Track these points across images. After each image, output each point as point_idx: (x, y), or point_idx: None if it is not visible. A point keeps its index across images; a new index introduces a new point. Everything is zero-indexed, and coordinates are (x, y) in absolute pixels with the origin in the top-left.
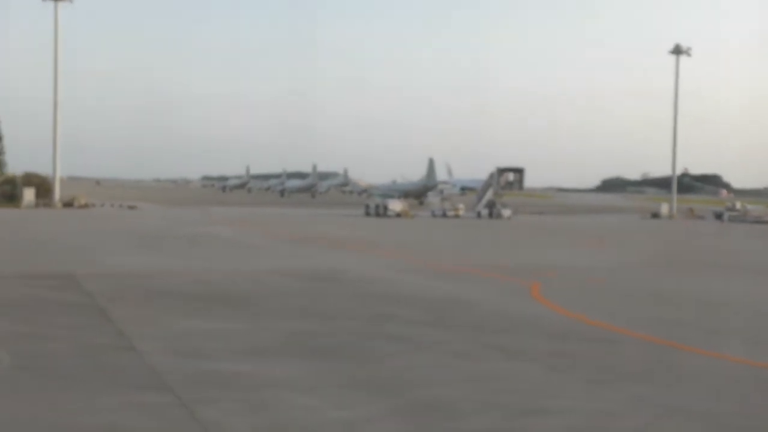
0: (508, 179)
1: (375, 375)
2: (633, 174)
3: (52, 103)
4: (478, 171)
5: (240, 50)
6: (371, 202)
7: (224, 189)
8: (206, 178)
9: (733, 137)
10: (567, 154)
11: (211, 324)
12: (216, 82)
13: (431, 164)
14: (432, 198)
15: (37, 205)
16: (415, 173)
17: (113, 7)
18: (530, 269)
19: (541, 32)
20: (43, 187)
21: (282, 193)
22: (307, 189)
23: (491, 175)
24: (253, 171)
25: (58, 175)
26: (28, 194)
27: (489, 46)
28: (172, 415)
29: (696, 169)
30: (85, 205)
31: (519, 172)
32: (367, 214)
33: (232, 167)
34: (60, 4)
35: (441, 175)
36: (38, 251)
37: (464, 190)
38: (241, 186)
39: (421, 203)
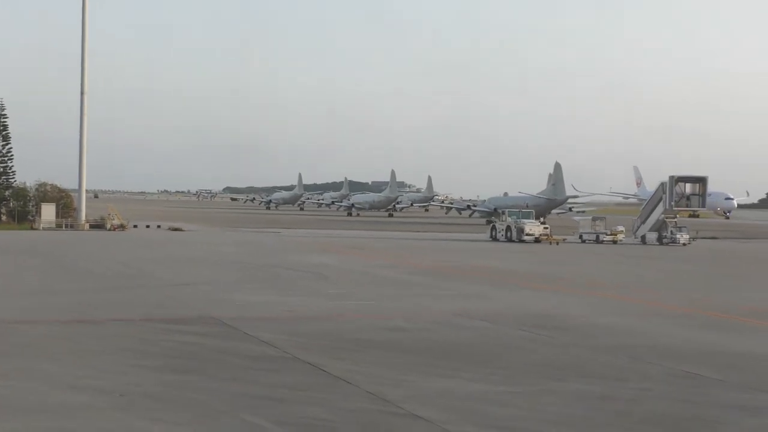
0: (684, 192)
1: None
2: None
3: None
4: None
5: (264, 42)
6: (499, 224)
7: (269, 205)
8: (230, 189)
9: None
10: (712, 160)
11: (474, 385)
12: (229, 74)
13: (558, 171)
14: (580, 218)
15: (58, 225)
16: (531, 185)
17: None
18: None
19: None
20: (63, 202)
21: (350, 210)
22: (384, 205)
23: (661, 187)
24: (288, 181)
25: (84, 187)
26: (47, 212)
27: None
28: None
29: None
30: (121, 227)
31: (700, 182)
32: (493, 238)
33: (247, 176)
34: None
35: (573, 186)
36: (138, 288)
37: None
38: (292, 201)
39: (543, 223)
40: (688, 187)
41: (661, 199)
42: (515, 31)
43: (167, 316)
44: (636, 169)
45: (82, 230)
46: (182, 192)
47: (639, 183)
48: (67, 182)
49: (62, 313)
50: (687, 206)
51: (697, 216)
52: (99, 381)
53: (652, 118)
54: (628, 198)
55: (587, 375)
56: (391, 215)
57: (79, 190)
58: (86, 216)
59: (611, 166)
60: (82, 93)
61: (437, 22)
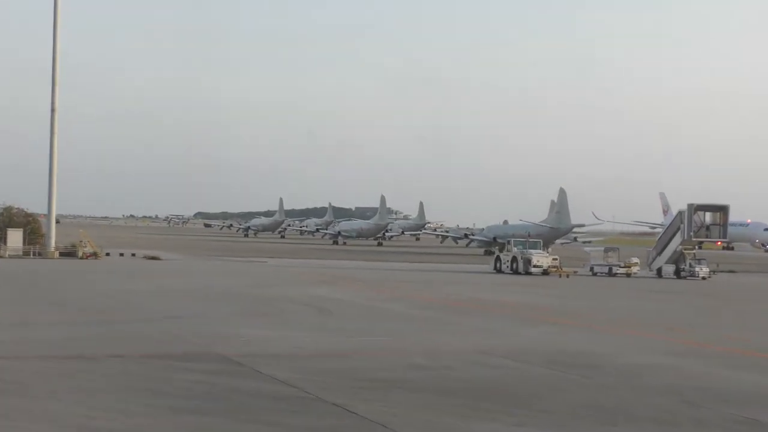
0: (704, 221)
1: None
2: None
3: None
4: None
5: (226, 47)
6: (504, 254)
7: (247, 232)
8: (202, 214)
9: None
10: (748, 187)
11: (521, 429)
12: (200, 90)
13: (563, 198)
14: (591, 249)
15: (26, 253)
16: (534, 213)
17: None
18: None
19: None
20: (30, 228)
21: (336, 238)
22: (373, 233)
23: (679, 216)
24: (264, 206)
25: (54, 212)
26: (14, 238)
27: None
28: None
29: None
30: (94, 255)
31: (721, 210)
32: (498, 269)
33: (220, 200)
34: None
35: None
36: (129, 322)
37: None
38: (272, 228)
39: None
40: (708, 216)
41: (678, 229)
42: (514, 47)
43: (168, 352)
44: (663, 196)
45: (52, 258)
46: (150, 217)
47: (666, 211)
48: (31, 206)
49: (52, 349)
50: (706, 236)
51: (731, 249)
52: (113, 423)
53: (679, 137)
54: (654, 228)
55: (638, 418)
56: (380, 244)
57: (48, 215)
58: (55, 242)
59: (633, 191)
60: (52, 110)
61: (428, 38)
